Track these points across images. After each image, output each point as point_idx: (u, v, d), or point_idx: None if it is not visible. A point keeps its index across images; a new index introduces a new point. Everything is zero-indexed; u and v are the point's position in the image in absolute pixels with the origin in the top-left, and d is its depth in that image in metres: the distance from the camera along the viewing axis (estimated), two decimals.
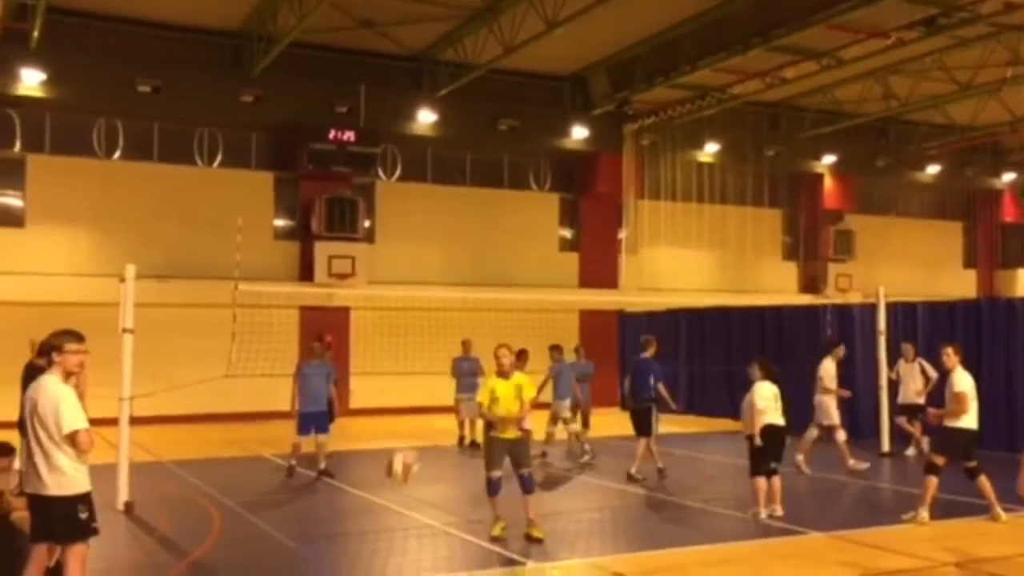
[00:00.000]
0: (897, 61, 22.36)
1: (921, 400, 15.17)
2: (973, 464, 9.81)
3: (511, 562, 8.28)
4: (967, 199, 32.48)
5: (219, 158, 22.32)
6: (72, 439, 5.80)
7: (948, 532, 9.47)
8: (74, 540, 5.90)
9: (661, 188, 26.10)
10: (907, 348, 15.44)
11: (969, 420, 9.68)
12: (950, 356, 9.95)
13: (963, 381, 9.74)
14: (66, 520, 5.84)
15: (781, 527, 9.70)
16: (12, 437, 7.05)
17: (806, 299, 25.40)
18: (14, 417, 6.15)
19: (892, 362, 15.50)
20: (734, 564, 8.20)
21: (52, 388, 5.88)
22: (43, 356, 6.25)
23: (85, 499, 5.92)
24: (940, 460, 9.73)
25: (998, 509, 9.75)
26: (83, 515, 5.90)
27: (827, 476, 13.15)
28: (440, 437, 16.89)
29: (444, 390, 17.32)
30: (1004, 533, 9.48)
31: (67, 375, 6.00)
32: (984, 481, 9.77)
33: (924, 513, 9.68)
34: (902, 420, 15.24)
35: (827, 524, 9.73)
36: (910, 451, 15.19)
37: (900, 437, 15.32)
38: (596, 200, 25.77)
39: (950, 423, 9.71)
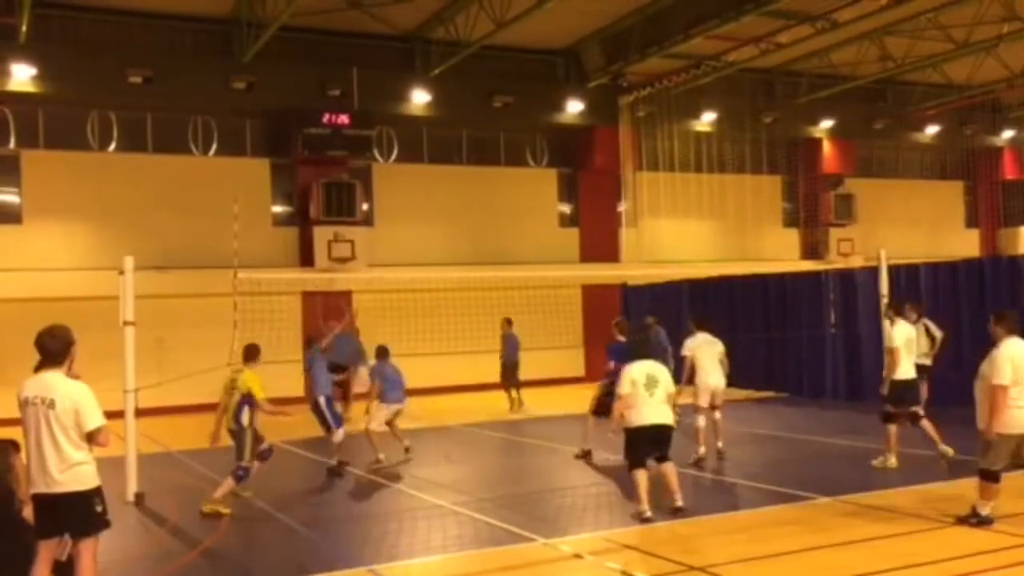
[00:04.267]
0: (892, 21, 22.17)
1: (928, 361, 15.20)
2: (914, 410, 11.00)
3: (521, 539, 8.29)
4: (967, 158, 32.28)
5: (214, 146, 22.23)
6: (93, 436, 5.86)
7: (955, 492, 9.48)
8: (89, 533, 5.96)
9: (659, 159, 25.96)
10: (909, 310, 15.44)
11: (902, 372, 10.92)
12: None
13: (896, 337, 10.91)
14: (82, 514, 5.90)
15: (787, 493, 9.71)
16: (13, 434, 7.03)
17: (808, 265, 25.34)
18: (17, 414, 6.10)
19: None
20: (742, 532, 8.21)
21: (66, 385, 5.90)
22: (46, 353, 6.19)
23: (98, 492, 5.99)
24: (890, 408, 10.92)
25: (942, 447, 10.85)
26: (98, 508, 5.97)
27: (833, 441, 13.16)
28: (446, 417, 16.92)
29: (449, 370, 17.34)
30: (1015, 492, 9.47)
31: (69, 367, 6.05)
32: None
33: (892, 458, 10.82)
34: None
35: (832, 488, 9.74)
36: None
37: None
38: (594, 174, 25.67)
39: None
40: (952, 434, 13.33)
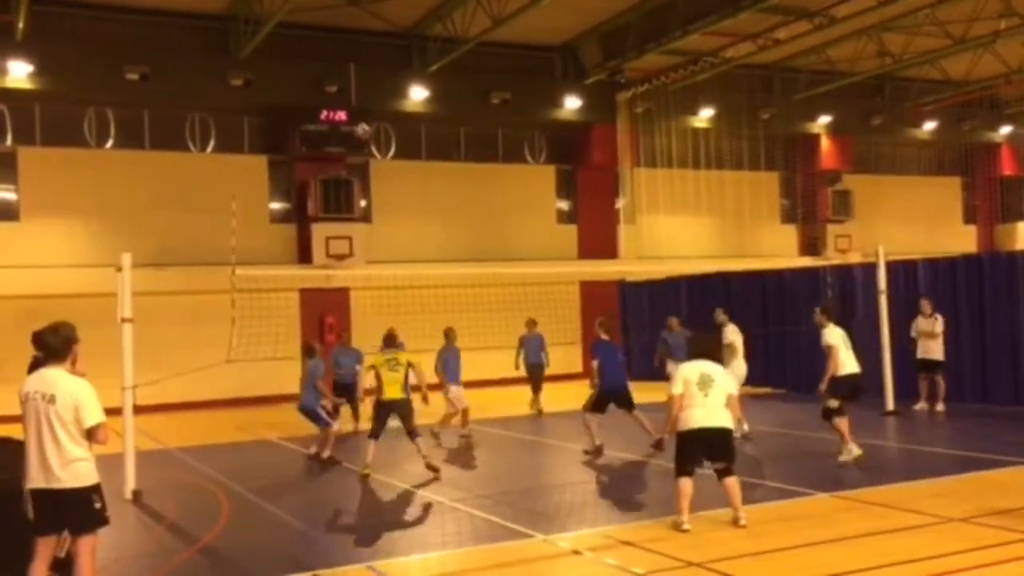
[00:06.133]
0: (890, 17, 22.17)
1: (940, 356, 15.27)
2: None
3: (520, 535, 8.30)
4: (965, 154, 32.31)
5: (211, 143, 22.22)
6: (92, 433, 5.86)
7: (954, 488, 9.50)
8: (87, 530, 5.96)
9: (657, 156, 25.98)
10: (925, 304, 15.49)
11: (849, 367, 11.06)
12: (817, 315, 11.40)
13: (832, 336, 11.08)
14: (81, 511, 5.90)
15: (786, 489, 9.72)
16: (12, 431, 7.04)
17: (806, 261, 25.37)
18: (16, 411, 6.11)
19: (893, 319, 15.51)
20: (739, 528, 8.20)
21: (68, 381, 5.90)
22: (45, 349, 6.20)
23: (97, 489, 6.00)
24: (835, 403, 10.95)
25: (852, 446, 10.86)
26: (97, 505, 5.97)
27: (830, 437, 13.16)
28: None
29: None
30: (1012, 487, 9.50)
31: (71, 364, 6.04)
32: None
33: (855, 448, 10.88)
34: (932, 377, 15.44)
35: (832, 484, 9.76)
36: (919, 406, 15.35)
37: (906, 394, 15.41)
38: (592, 170, 25.67)
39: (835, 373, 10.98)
40: (952, 428, 13.37)
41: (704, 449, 8.22)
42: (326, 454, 12.71)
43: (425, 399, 11.71)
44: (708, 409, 8.16)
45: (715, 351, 8.85)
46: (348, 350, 16.00)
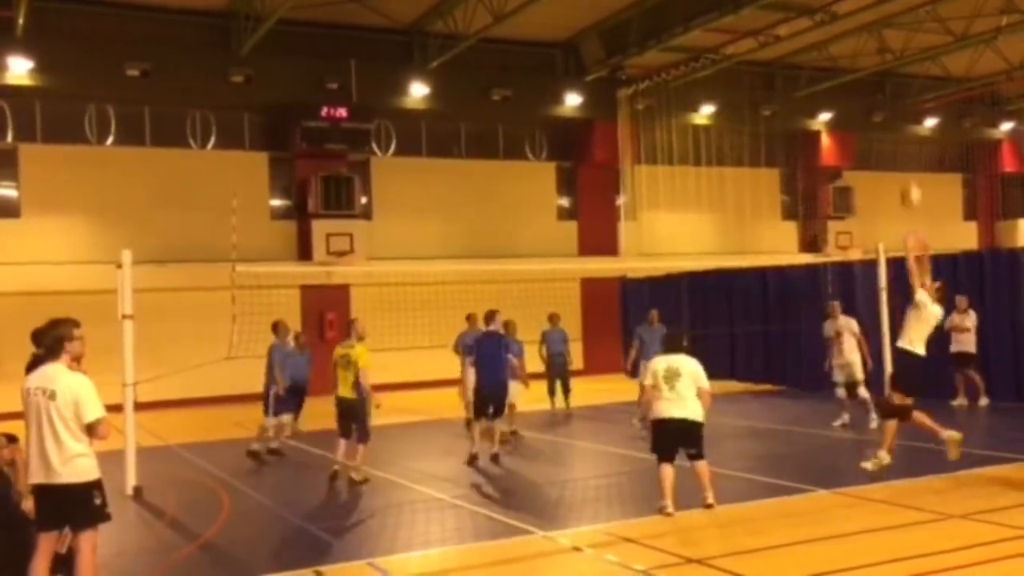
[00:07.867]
0: (891, 14, 22.17)
1: (972, 349, 15.26)
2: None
3: (520, 532, 8.31)
4: (966, 151, 32.29)
5: (212, 140, 22.22)
6: (92, 428, 5.89)
7: (955, 484, 9.50)
8: (88, 526, 6.00)
9: (658, 152, 25.96)
10: (961, 300, 15.49)
11: None
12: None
13: None
14: (82, 507, 5.94)
15: (785, 485, 9.73)
16: (12, 428, 7.05)
17: (807, 258, 25.36)
18: (17, 408, 6.12)
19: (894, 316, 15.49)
20: (740, 524, 8.22)
21: (68, 378, 5.94)
22: (42, 346, 6.23)
23: (98, 485, 6.03)
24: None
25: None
26: (97, 501, 6.01)
27: (831, 434, 13.17)
28: (445, 411, 16.92)
29: (447, 363, 17.31)
30: (1012, 484, 9.50)
31: (73, 361, 6.06)
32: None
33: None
34: (966, 372, 15.38)
35: (831, 481, 9.76)
36: (957, 402, 15.33)
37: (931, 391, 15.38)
38: (593, 167, 25.67)
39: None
40: (953, 425, 13.30)
41: (674, 437, 8.72)
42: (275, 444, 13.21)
43: (378, 404, 10.95)
44: (675, 401, 8.70)
45: (684, 347, 9.12)
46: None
